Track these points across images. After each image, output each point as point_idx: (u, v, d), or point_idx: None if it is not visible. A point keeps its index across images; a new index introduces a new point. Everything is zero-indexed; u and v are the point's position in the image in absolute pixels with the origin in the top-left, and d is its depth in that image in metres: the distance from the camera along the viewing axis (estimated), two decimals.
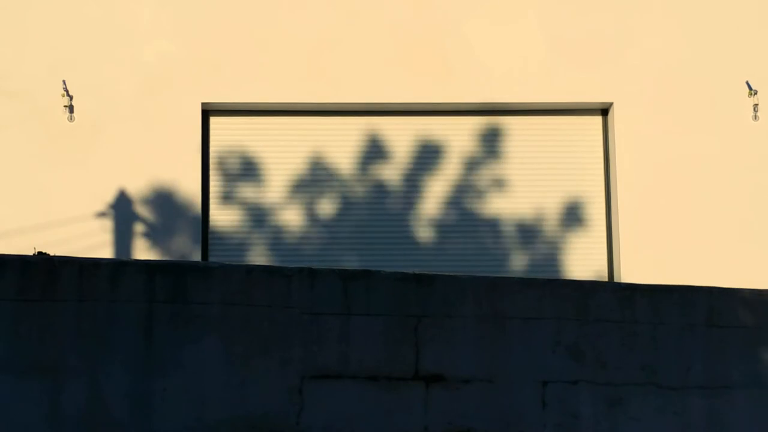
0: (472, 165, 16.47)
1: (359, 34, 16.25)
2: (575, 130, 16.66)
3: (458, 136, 16.54)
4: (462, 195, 16.40)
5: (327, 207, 16.27)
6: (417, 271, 8.07)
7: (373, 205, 16.34)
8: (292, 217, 16.24)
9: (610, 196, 16.37)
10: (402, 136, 16.50)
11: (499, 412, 7.48)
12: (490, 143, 16.53)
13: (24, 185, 15.67)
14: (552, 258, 16.33)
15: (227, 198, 16.23)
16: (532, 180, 16.46)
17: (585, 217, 16.47)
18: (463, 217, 16.36)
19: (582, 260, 16.34)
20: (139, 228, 15.73)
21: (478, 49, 16.29)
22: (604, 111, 16.64)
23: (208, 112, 16.31)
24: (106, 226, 15.70)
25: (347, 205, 16.31)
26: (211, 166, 16.28)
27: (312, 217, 16.24)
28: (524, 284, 7.85)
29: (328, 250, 16.18)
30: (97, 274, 7.22)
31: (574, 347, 7.62)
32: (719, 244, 15.95)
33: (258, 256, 16.03)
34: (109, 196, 15.74)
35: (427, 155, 16.49)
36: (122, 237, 15.70)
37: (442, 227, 16.33)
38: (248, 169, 16.32)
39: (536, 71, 16.27)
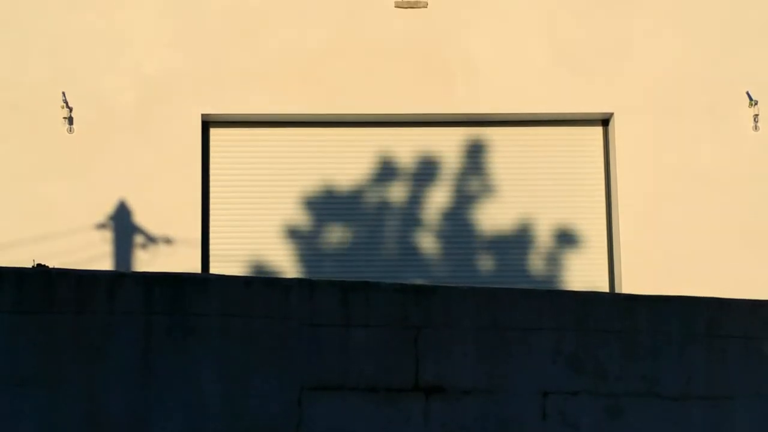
0: (472, 176, 16.46)
1: (360, 46, 16.26)
2: (576, 140, 16.66)
3: (458, 148, 16.53)
4: (462, 206, 16.38)
5: (327, 218, 16.25)
6: (417, 282, 8.06)
7: (374, 216, 16.32)
8: (292, 228, 16.22)
9: (611, 206, 16.35)
10: (403, 147, 16.50)
11: (500, 424, 7.45)
12: (491, 154, 16.52)
13: (24, 196, 15.66)
14: (552, 269, 16.31)
15: (227, 209, 16.21)
16: (532, 190, 16.45)
17: (585, 227, 16.45)
18: (462, 228, 16.34)
19: (582, 271, 16.32)
20: (139, 239, 15.72)
21: (479, 60, 16.29)
22: (604, 121, 16.63)
23: (208, 123, 16.31)
24: (107, 237, 15.69)
25: (348, 215, 16.29)
26: (212, 177, 16.27)
27: (312, 228, 16.22)
28: (524, 295, 7.83)
29: (329, 260, 16.16)
30: (95, 287, 7.20)
31: (574, 358, 7.60)
32: (720, 254, 15.93)
33: (258, 268, 16.01)
34: (109, 207, 15.74)
35: (428, 166, 16.48)
36: (122, 248, 15.69)
37: (442, 238, 16.32)
38: (248, 180, 16.31)
39: (537, 82, 16.27)
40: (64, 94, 15.86)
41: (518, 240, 16.39)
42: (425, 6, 16.44)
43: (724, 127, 16.32)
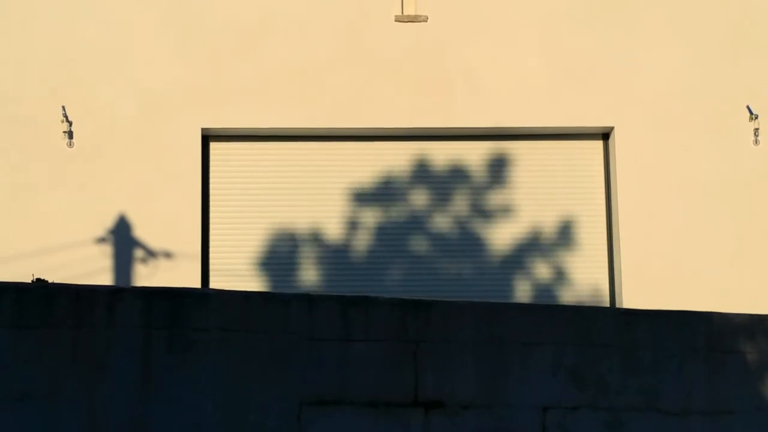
0: (474, 189, 16.46)
1: (360, 59, 16.26)
2: (576, 154, 16.66)
3: (460, 161, 16.53)
4: (464, 219, 16.38)
5: (327, 231, 16.25)
6: (416, 296, 8.06)
7: (375, 230, 16.30)
8: (292, 242, 16.21)
9: (611, 219, 16.35)
10: (402, 161, 16.50)
11: None
12: (492, 167, 16.52)
13: (23, 210, 15.65)
14: (554, 281, 16.30)
15: (227, 223, 16.21)
16: (533, 204, 16.44)
17: (586, 240, 16.44)
18: (464, 240, 16.33)
19: (583, 284, 16.31)
20: (138, 253, 15.70)
21: (481, 74, 16.29)
22: (605, 135, 16.63)
23: (208, 137, 16.31)
24: (106, 251, 15.68)
25: (348, 229, 16.28)
26: (211, 190, 16.26)
27: (312, 242, 16.22)
28: (523, 309, 7.83)
29: (329, 274, 16.14)
30: (94, 301, 7.20)
31: (574, 372, 7.59)
32: (721, 268, 15.91)
33: (258, 281, 15.99)
34: (108, 221, 15.73)
35: (430, 179, 16.48)
36: (122, 263, 15.67)
37: (443, 251, 16.30)
38: (248, 194, 16.30)
39: (538, 96, 16.27)
40: (63, 108, 15.85)
41: (518, 253, 16.37)
42: (425, 20, 16.46)
43: (724, 141, 16.31)
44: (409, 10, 16.46)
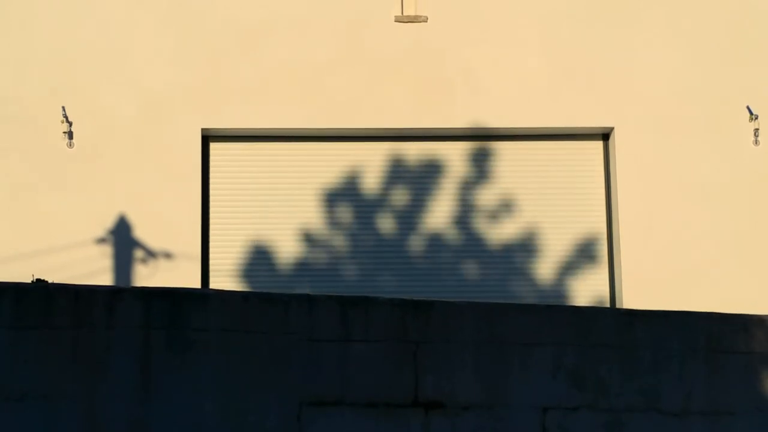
0: (472, 190, 16.46)
1: (360, 60, 16.26)
2: (576, 154, 16.65)
3: (458, 161, 16.53)
4: (462, 220, 16.37)
5: (327, 232, 16.25)
6: (416, 297, 8.04)
7: (374, 230, 16.30)
8: (292, 243, 16.21)
9: (611, 220, 16.34)
10: (402, 161, 16.49)
11: None
12: (491, 168, 16.52)
13: (23, 211, 15.65)
14: (553, 282, 16.29)
15: (227, 223, 16.20)
16: (533, 204, 16.43)
17: (586, 241, 16.44)
18: (463, 242, 16.33)
19: (584, 285, 16.30)
20: (138, 254, 15.70)
21: (481, 74, 16.29)
22: (605, 135, 16.63)
23: (208, 137, 16.31)
24: (106, 251, 15.68)
25: (347, 229, 16.28)
26: (211, 191, 16.26)
27: (313, 242, 16.22)
28: (523, 310, 7.82)
29: (329, 274, 16.14)
30: (94, 301, 7.20)
31: (574, 373, 7.58)
32: (720, 268, 15.91)
33: (258, 282, 15.99)
34: (108, 221, 15.73)
35: (428, 180, 16.47)
36: (122, 263, 15.67)
37: (442, 253, 16.30)
38: (248, 195, 16.30)
39: (537, 96, 16.27)
40: (63, 108, 15.85)
41: (518, 254, 16.36)
42: (425, 20, 16.45)
43: (724, 141, 16.31)
44: (409, 11, 16.46)
